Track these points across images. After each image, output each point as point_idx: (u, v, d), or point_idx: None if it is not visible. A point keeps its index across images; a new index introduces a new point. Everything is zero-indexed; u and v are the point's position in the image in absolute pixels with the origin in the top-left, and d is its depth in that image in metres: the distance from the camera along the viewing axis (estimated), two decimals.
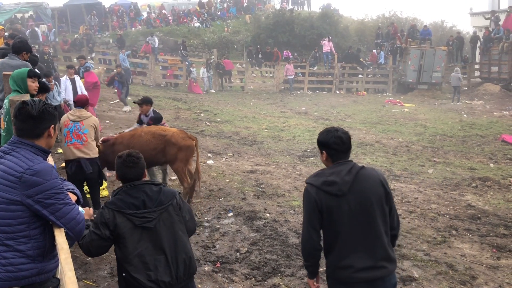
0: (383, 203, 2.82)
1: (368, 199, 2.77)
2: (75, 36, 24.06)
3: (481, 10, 30.59)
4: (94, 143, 5.89)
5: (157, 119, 7.20)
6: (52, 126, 2.57)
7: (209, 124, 13.44)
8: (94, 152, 5.86)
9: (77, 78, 11.01)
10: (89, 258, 5.00)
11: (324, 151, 2.91)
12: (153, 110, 7.26)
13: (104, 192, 6.97)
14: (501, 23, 23.06)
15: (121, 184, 2.99)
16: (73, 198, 2.62)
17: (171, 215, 2.94)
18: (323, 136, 2.90)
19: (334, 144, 2.85)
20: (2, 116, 4.10)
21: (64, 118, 5.89)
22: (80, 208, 2.62)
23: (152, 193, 2.90)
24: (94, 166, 5.83)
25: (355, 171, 2.81)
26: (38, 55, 9.50)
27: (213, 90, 21.37)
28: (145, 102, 7.14)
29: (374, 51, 24.20)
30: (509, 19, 22.60)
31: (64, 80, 10.50)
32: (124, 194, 2.88)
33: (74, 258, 4.81)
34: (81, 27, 26.16)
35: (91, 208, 3.11)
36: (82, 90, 10.65)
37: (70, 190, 2.73)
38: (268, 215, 6.42)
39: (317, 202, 2.79)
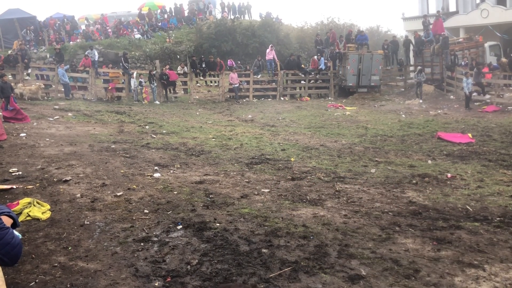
0: None
1: None
2: (9, 52, 22.98)
3: (412, 15, 32.25)
4: None
5: None
6: None
7: (154, 136, 13.23)
8: None
9: None
10: (32, 283, 4.77)
11: None
12: None
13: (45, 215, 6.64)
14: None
15: None
16: (8, 222, 2.49)
17: None
18: None
19: None
20: None
21: None
22: (16, 232, 2.50)
23: None
24: None
25: None
26: None
27: (157, 102, 21.08)
28: None
29: (315, 57, 24.84)
30: (437, 23, 23.96)
31: None
32: None
33: (16, 284, 4.57)
34: (15, 42, 25.02)
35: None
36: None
37: (5, 213, 2.59)
38: (218, 224, 6.40)
39: None
